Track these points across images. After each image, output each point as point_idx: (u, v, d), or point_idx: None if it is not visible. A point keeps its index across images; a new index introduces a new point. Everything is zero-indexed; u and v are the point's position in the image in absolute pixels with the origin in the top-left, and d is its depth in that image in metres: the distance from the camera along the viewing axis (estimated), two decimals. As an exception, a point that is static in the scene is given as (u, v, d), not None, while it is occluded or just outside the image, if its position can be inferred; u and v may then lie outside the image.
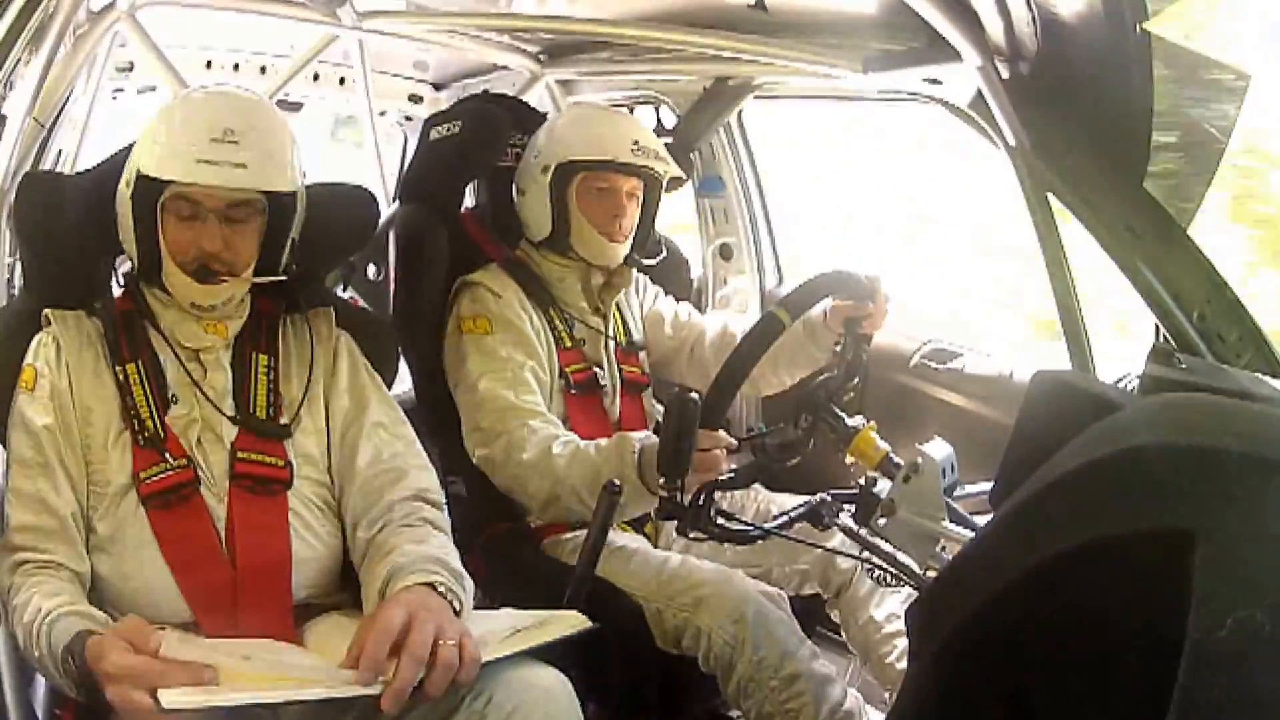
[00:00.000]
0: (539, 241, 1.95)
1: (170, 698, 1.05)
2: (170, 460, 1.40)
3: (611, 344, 2.00)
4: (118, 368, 1.43)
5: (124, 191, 1.46)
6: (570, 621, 1.27)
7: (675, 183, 2.04)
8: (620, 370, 1.99)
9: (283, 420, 1.49)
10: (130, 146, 1.51)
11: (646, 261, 2.07)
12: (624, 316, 2.08)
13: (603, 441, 1.70)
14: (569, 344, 1.94)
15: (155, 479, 1.39)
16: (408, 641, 1.13)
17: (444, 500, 1.53)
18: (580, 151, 1.88)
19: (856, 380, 1.56)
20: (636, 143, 1.88)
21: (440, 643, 1.14)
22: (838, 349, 1.68)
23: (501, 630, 1.26)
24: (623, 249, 1.94)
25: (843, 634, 1.86)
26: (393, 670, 1.11)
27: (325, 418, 1.52)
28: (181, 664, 1.09)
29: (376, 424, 1.53)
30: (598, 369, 1.95)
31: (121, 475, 1.39)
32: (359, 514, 1.47)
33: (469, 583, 1.33)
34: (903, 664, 1.70)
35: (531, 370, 1.82)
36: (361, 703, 1.14)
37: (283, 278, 1.52)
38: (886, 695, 1.74)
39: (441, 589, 1.25)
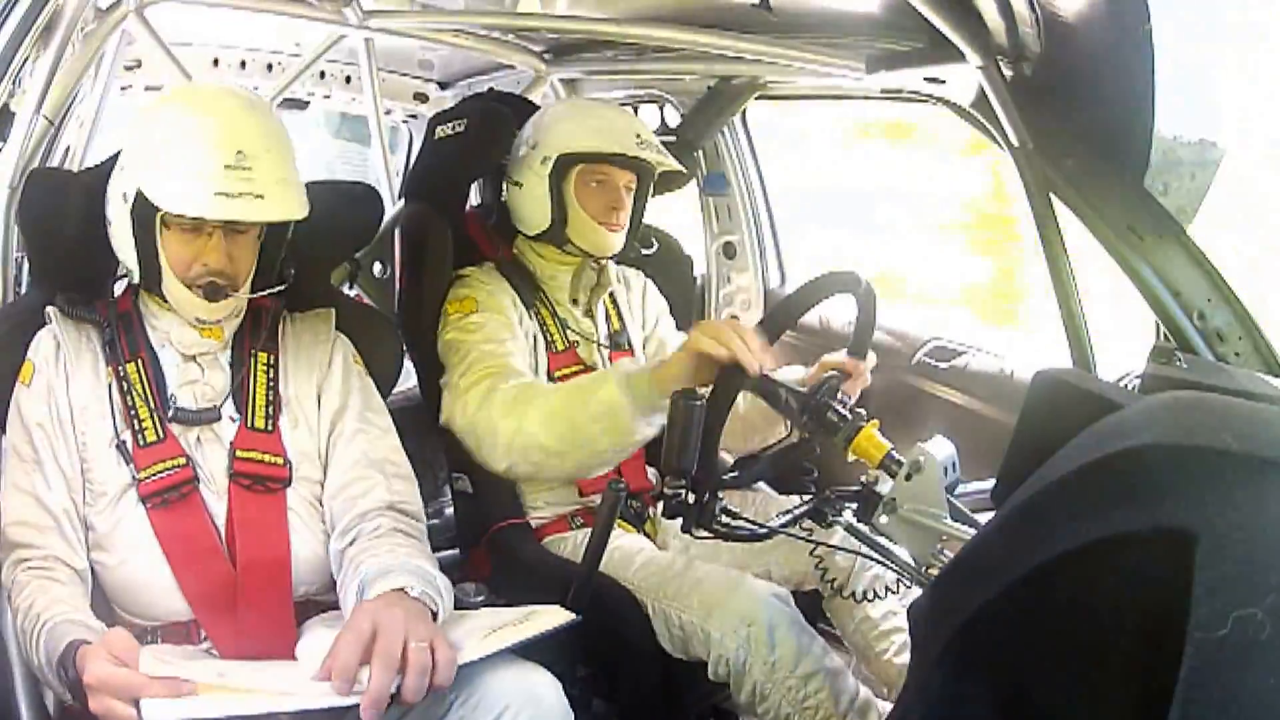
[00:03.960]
0: (534, 235, 1.95)
1: (151, 708, 1.06)
2: (169, 459, 1.40)
3: (606, 347, 2.00)
4: (117, 366, 1.44)
5: (121, 206, 1.42)
6: (553, 616, 1.27)
7: (678, 179, 2.04)
8: None
9: (282, 419, 1.49)
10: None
11: (645, 252, 2.06)
12: (619, 309, 2.08)
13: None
14: (561, 346, 1.93)
15: (154, 478, 1.39)
16: (376, 648, 1.12)
17: (421, 508, 1.52)
18: (584, 144, 1.88)
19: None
20: (639, 136, 1.88)
21: (411, 646, 1.13)
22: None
23: (482, 629, 1.25)
24: (619, 239, 1.94)
25: (839, 631, 1.86)
26: (367, 678, 1.11)
27: (319, 418, 1.52)
28: (161, 677, 1.09)
29: (358, 430, 1.52)
30: (591, 370, 1.95)
31: (121, 474, 1.40)
32: (334, 521, 1.47)
33: (446, 585, 1.32)
34: (900, 659, 1.70)
35: (517, 344, 1.81)
36: (347, 713, 1.13)
37: (282, 287, 1.51)
38: (885, 691, 1.74)
39: (413, 593, 1.24)
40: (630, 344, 2.07)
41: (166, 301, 1.46)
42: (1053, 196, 1.52)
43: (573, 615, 1.26)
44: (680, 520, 1.38)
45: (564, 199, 1.90)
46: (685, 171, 2.00)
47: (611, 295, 2.06)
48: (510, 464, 1.68)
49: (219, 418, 1.46)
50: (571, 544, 1.84)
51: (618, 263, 2.07)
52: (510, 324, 1.85)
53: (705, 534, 1.38)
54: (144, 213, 1.40)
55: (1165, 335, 1.35)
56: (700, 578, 1.66)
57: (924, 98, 1.86)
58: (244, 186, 1.34)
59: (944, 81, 1.68)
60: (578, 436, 1.55)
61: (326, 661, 1.13)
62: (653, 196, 2.04)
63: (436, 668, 1.13)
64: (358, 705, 1.10)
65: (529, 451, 1.63)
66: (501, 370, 1.73)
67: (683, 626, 1.62)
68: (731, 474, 1.53)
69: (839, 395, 1.47)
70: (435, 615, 1.25)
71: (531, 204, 1.93)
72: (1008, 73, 1.49)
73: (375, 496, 1.47)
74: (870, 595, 1.70)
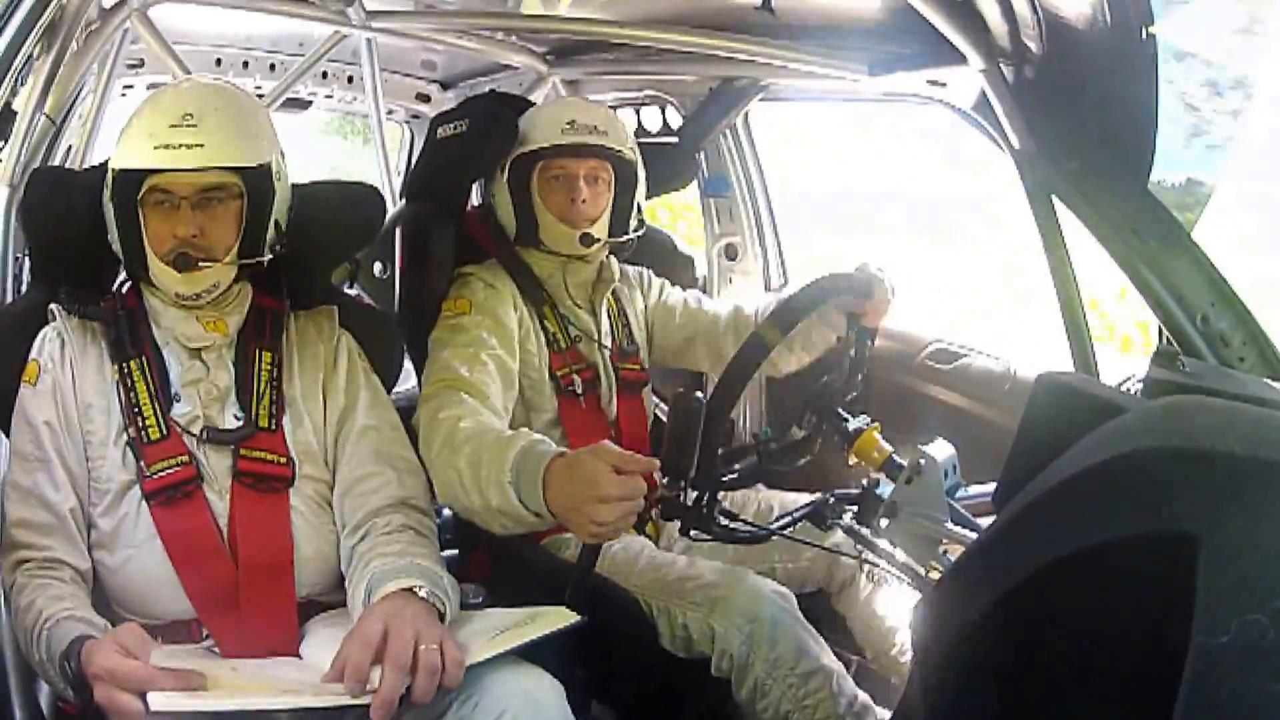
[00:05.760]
0: (514, 239, 1.96)
1: (158, 701, 1.06)
2: (173, 457, 1.40)
3: (607, 343, 2.00)
4: (121, 364, 1.43)
5: (106, 193, 1.46)
6: (558, 617, 1.27)
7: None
8: (616, 370, 1.99)
9: (285, 418, 1.49)
10: None
11: (618, 240, 1.99)
12: (624, 313, 2.08)
13: (500, 439, 1.47)
14: (563, 345, 1.92)
15: (157, 476, 1.39)
16: (388, 650, 1.13)
17: (431, 505, 1.52)
18: (524, 143, 1.91)
19: (862, 375, 1.56)
20: (571, 122, 1.88)
21: (421, 648, 1.14)
22: (841, 343, 1.66)
23: (488, 630, 1.26)
24: (586, 231, 1.91)
25: (848, 629, 1.86)
26: (378, 680, 1.11)
27: (324, 416, 1.53)
28: (171, 670, 1.09)
29: (367, 426, 1.52)
30: (592, 369, 1.95)
31: (124, 472, 1.39)
32: (345, 519, 1.47)
33: (453, 585, 1.32)
34: (909, 657, 1.70)
35: (496, 358, 1.77)
36: (350, 713, 1.14)
37: (267, 257, 1.50)
38: (896, 688, 1.73)
39: (421, 593, 1.24)
40: (634, 344, 2.07)
41: (158, 288, 1.47)
42: (1054, 199, 1.52)
43: (578, 617, 1.26)
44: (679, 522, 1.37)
45: (529, 201, 1.91)
46: (621, 151, 1.92)
47: (615, 294, 2.06)
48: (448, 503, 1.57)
49: (252, 434, 1.46)
50: (573, 544, 1.83)
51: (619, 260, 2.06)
52: (501, 327, 1.83)
53: (704, 536, 1.38)
54: (121, 193, 1.43)
55: (1168, 339, 1.35)
56: (703, 574, 1.66)
57: (925, 100, 1.86)
58: (185, 139, 1.39)
59: (945, 84, 1.68)
60: (489, 518, 1.45)
61: (337, 661, 1.14)
62: (655, 195, 2.03)
63: (445, 669, 1.14)
64: (362, 705, 1.11)
65: (455, 505, 1.53)
66: (452, 386, 1.66)
67: (686, 625, 1.62)
68: (730, 475, 1.53)
69: (844, 387, 1.47)
70: (443, 616, 1.25)
71: (501, 210, 1.96)
72: (1009, 75, 1.49)
73: (387, 493, 1.47)
74: (881, 597, 1.70)
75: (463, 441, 1.49)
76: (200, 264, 1.41)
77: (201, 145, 1.39)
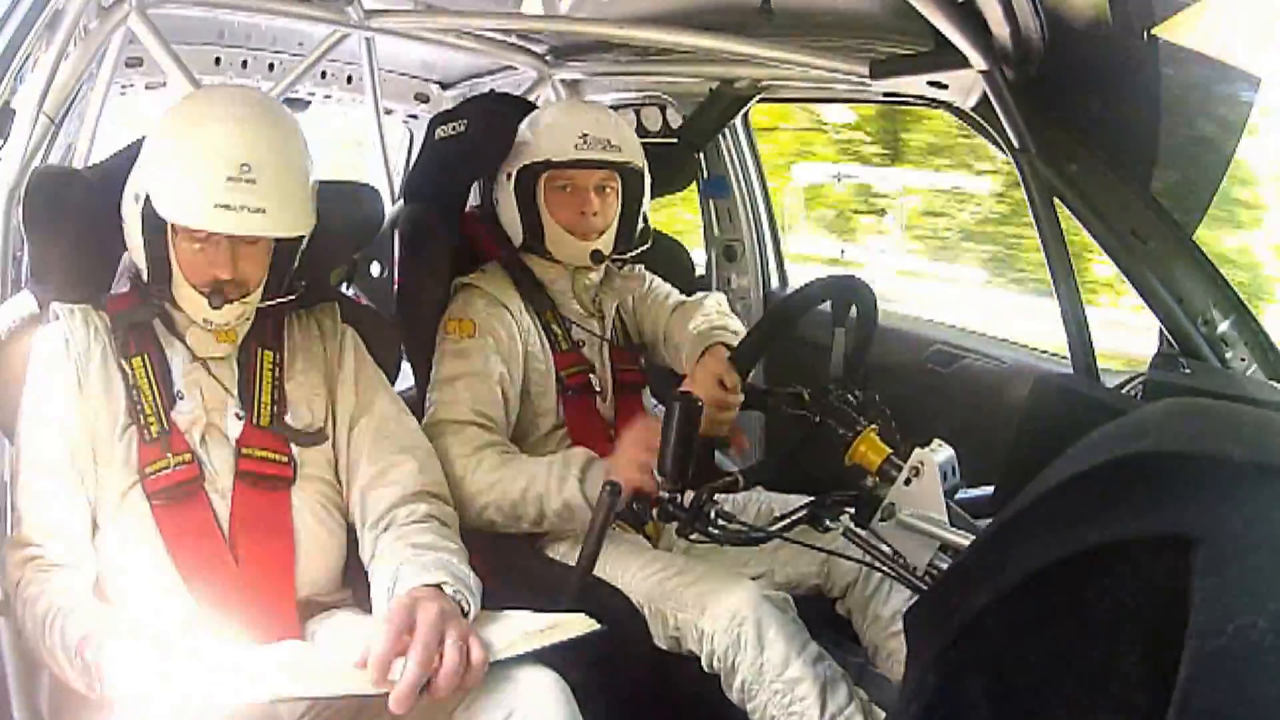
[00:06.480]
0: (519, 246, 1.96)
1: (174, 688, 1.07)
2: (175, 456, 1.40)
3: (607, 346, 2.00)
4: (124, 363, 1.43)
5: (132, 207, 1.43)
6: (578, 624, 1.28)
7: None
8: (615, 371, 1.99)
9: (287, 417, 1.49)
10: (136, 143, 1.48)
11: (627, 256, 2.01)
12: (622, 317, 2.07)
13: (552, 458, 1.71)
14: (565, 346, 1.93)
15: (160, 474, 1.39)
16: (414, 644, 1.14)
17: (449, 493, 1.54)
18: (532, 154, 1.90)
19: (860, 373, 1.56)
20: (584, 135, 1.87)
21: (447, 644, 1.15)
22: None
23: (510, 632, 1.26)
24: (595, 247, 1.91)
25: (850, 632, 1.85)
26: (399, 672, 1.13)
27: (331, 414, 1.53)
28: (188, 663, 1.10)
29: (383, 419, 1.54)
30: (593, 372, 1.95)
31: (127, 470, 1.39)
32: (365, 511, 1.48)
33: (476, 584, 1.33)
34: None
35: (499, 381, 1.82)
36: (364, 701, 1.15)
37: (292, 297, 1.51)
38: (898, 689, 1.73)
39: (448, 590, 1.26)
40: (634, 346, 2.06)
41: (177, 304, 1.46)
42: (1056, 201, 1.52)
43: (598, 625, 1.28)
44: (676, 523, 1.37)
45: (536, 210, 1.90)
46: (632, 163, 1.93)
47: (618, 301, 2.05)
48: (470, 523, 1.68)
49: (325, 438, 1.49)
50: (568, 545, 1.83)
51: (620, 265, 2.06)
52: (504, 344, 1.84)
53: (701, 538, 1.38)
54: (154, 217, 1.40)
55: (1169, 341, 1.35)
56: (696, 575, 1.66)
57: (926, 101, 1.86)
58: (245, 200, 1.34)
59: (947, 86, 1.67)
60: (539, 515, 1.68)
61: (361, 650, 1.15)
62: (655, 196, 2.02)
63: (469, 667, 1.15)
64: (380, 695, 1.12)
65: (503, 515, 1.71)
66: (471, 421, 1.76)
67: (678, 625, 1.63)
68: (727, 479, 1.53)
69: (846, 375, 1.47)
70: (466, 614, 1.26)
71: (507, 218, 1.96)
72: (1011, 77, 1.49)
73: (410, 482, 1.49)
74: (883, 596, 1.70)
75: (508, 464, 1.72)
76: (233, 300, 1.41)
77: (263, 210, 1.34)
